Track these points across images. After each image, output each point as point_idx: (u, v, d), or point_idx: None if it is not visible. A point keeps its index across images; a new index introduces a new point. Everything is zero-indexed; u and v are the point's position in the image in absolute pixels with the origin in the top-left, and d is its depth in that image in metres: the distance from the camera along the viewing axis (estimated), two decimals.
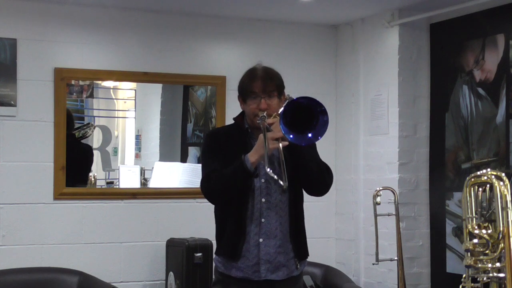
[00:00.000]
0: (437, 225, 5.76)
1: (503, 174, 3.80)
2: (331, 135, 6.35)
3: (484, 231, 3.75)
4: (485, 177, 3.80)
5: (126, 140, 6.58)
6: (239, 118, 3.65)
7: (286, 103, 3.37)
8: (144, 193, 5.99)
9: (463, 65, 5.58)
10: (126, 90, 6.45)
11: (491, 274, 3.71)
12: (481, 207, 3.83)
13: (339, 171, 6.32)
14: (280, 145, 3.34)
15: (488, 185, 3.81)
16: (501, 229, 3.68)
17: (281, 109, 3.33)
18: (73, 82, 5.94)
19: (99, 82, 6.17)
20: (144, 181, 6.18)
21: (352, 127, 6.28)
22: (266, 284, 3.52)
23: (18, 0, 5.56)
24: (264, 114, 3.44)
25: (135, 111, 6.48)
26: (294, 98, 3.38)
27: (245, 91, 3.55)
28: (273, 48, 6.24)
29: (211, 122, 6.26)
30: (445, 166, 5.72)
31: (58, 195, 5.63)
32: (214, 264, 3.66)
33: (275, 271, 3.52)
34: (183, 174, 6.21)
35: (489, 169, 3.87)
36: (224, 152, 3.53)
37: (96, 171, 6.16)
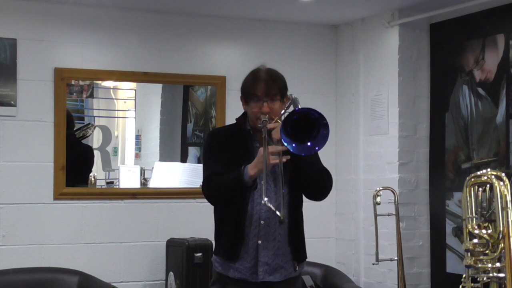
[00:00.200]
0: (437, 225, 5.76)
1: (503, 174, 3.80)
2: (331, 135, 6.20)
3: (484, 231, 3.76)
4: (485, 177, 3.81)
5: (126, 140, 6.58)
6: (241, 119, 3.63)
7: (287, 115, 3.33)
8: (144, 193, 5.99)
9: (463, 65, 5.58)
10: (126, 90, 6.45)
11: (491, 274, 3.71)
12: (481, 207, 3.83)
13: (339, 171, 6.32)
14: (282, 159, 3.33)
15: (488, 185, 3.81)
16: (501, 229, 3.68)
17: (283, 118, 3.32)
18: (73, 82, 5.94)
19: (99, 82, 6.16)
20: (144, 181, 6.18)
21: (352, 127, 6.27)
22: (264, 286, 3.51)
23: (18, 0, 5.56)
24: (266, 118, 3.42)
25: (135, 111, 6.47)
26: (297, 108, 3.37)
27: (248, 93, 3.52)
28: (273, 48, 6.24)
29: (211, 122, 6.26)
30: (445, 166, 5.71)
31: (58, 195, 5.63)
32: (212, 264, 3.66)
33: (273, 273, 3.51)
34: (183, 174, 6.21)
35: (489, 169, 3.88)
36: (225, 152, 3.52)
37: (96, 171, 6.16)
